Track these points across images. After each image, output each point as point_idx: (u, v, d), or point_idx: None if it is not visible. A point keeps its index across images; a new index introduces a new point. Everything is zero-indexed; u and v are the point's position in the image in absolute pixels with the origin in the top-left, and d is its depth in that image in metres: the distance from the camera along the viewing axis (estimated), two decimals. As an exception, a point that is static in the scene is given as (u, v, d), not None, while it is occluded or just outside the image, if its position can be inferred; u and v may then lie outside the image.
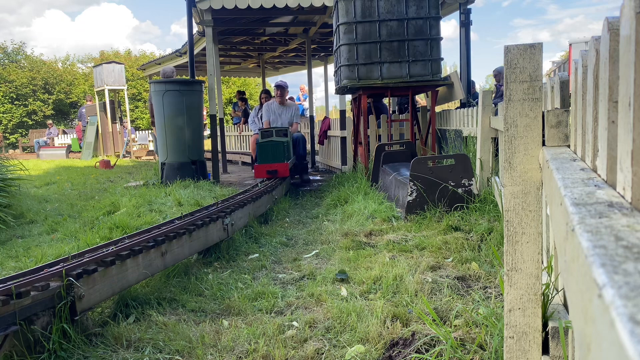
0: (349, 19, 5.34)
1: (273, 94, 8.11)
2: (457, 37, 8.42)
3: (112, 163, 11.06)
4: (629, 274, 0.39)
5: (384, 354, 1.85)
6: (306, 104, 12.87)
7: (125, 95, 15.77)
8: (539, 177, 1.29)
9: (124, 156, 14.87)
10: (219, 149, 7.81)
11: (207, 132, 12.24)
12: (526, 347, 1.33)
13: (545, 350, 1.44)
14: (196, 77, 8.81)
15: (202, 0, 7.04)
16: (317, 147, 10.21)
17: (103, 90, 14.68)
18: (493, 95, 6.70)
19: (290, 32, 10.49)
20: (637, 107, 0.57)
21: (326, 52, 12.44)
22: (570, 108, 1.30)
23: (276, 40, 11.58)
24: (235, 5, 7.06)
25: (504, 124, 1.31)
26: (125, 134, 15.45)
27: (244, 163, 10.92)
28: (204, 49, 8.98)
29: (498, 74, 9.07)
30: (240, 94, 13.84)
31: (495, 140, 3.95)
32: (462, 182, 3.74)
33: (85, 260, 2.25)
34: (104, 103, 14.89)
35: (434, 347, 1.81)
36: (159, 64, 13.63)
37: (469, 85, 7.27)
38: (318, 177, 7.96)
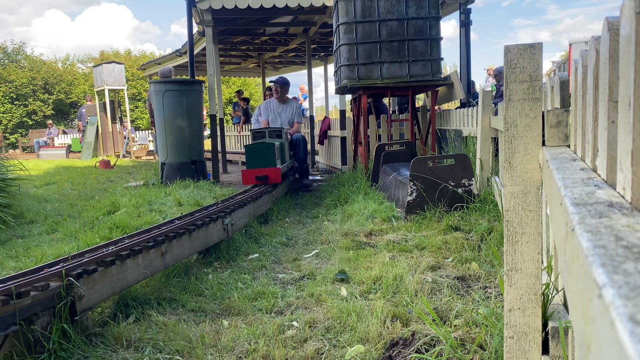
0: (349, 19, 5.34)
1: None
2: (457, 37, 8.42)
3: (112, 163, 11.06)
4: (629, 274, 0.39)
5: (384, 354, 1.85)
6: (306, 104, 12.87)
7: (125, 95, 15.78)
8: (539, 177, 1.29)
9: (124, 156, 14.87)
10: (219, 149, 7.81)
11: (207, 132, 12.25)
12: (526, 347, 1.33)
13: (545, 350, 1.44)
14: (196, 77, 8.81)
15: (202, 0, 7.04)
16: (317, 147, 10.21)
17: (103, 90, 14.68)
18: (493, 94, 6.70)
19: (290, 32, 10.49)
20: (637, 107, 0.56)
21: (326, 52, 12.44)
22: (570, 108, 1.30)
23: (276, 40, 11.58)
24: (235, 5, 7.06)
25: (504, 124, 1.31)
26: (125, 135, 15.46)
27: (243, 163, 10.90)
28: (204, 49, 8.98)
29: (498, 74, 9.08)
30: (240, 94, 13.85)
31: (495, 140, 3.95)
32: (462, 182, 3.74)
33: (85, 260, 2.25)
34: (104, 103, 14.90)
35: (434, 347, 1.81)
36: (159, 64, 13.62)
37: (469, 85, 7.27)
38: (318, 177, 7.96)
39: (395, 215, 3.92)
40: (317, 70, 14.22)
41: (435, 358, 1.71)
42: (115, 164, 11.18)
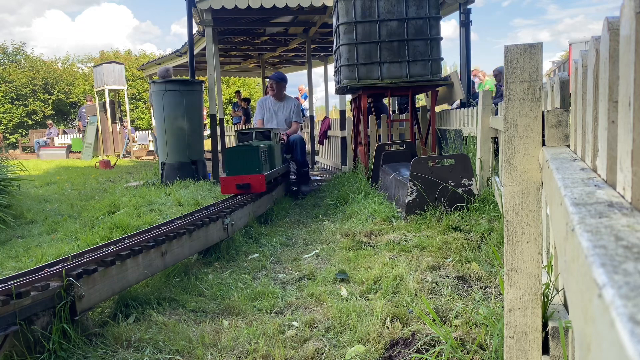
0: (349, 19, 5.34)
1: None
2: (457, 37, 8.42)
3: (112, 163, 11.06)
4: (629, 274, 0.39)
5: (384, 354, 1.85)
6: (306, 104, 12.87)
7: (125, 95, 15.79)
8: (539, 177, 1.29)
9: (124, 156, 14.88)
10: (219, 149, 7.81)
11: (207, 132, 12.25)
12: (526, 347, 1.33)
13: (545, 350, 1.44)
14: (196, 77, 8.81)
15: (202, 0, 7.04)
16: (317, 147, 10.22)
17: (103, 90, 14.69)
18: (493, 94, 6.70)
19: (290, 32, 10.49)
20: (637, 107, 0.56)
21: (326, 52, 12.44)
22: (570, 108, 1.30)
23: (276, 40, 11.58)
24: (235, 5, 7.06)
25: (504, 124, 1.31)
26: (125, 135, 15.46)
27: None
28: (204, 49, 8.98)
29: (498, 74, 9.08)
30: (239, 95, 13.86)
31: (495, 140, 3.95)
32: (462, 182, 3.74)
33: (85, 260, 2.25)
34: (104, 103, 14.91)
35: (434, 347, 1.81)
36: (159, 64, 13.63)
37: (469, 85, 7.27)
38: (318, 177, 7.95)
39: (395, 215, 3.92)
40: (317, 70, 14.23)
41: (435, 358, 1.71)
42: (115, 164, 11.18)
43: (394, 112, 8.11)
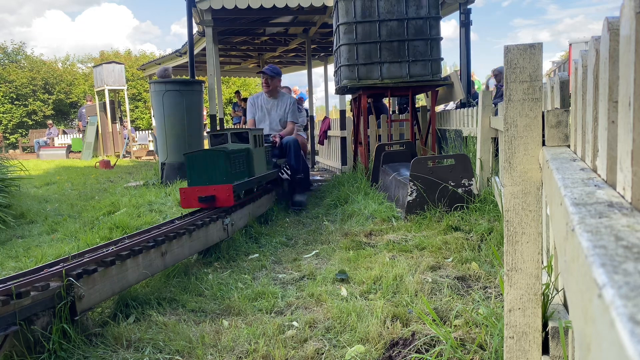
0: (349, 19, 5.34)
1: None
2: (457, 37, 8.42)
3: (112, 163, 11.07)
4: (629, 274, 0.39)
5: (384, 354, 1.85)
6: (306, 104, 12.87)
7: (125, 96, 15.79)
8: (539, 177, 1.29)
9: (124, 156, 14.88)
10: (219, 149, 7.77)
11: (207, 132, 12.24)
12: (526, 347, 1.33)
13: (545, 350, 1.44)
14: (196, 77, 8.81)
15: (202, 0, 7.05)
16: (317, 147, 10.22)
17: (103, 90, 14.69)
18: (493, 94, 6.70)
19: (290, 32, 10.49)
20: (637, 107, 0.56)
21: (326, 52, 12.44)
22: (570, 108, 1.30)
23: (276, 40, 11.58)
24: (235, 6, 7.06)
25: (504, 124, 1.31)
26: (125, 135, 15.47)
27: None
28: (204, 49, 8.99)
29: (498, 74, 9.09)
30: (238, 95, 13.87)
31: (495, 140, 3.95)
32: (462, 182, 3.74)
33: (85, 260, 2.25)
34: (104, 103, 14.92)
35: (434, 347, 1.81)
36: (159, 64, 13.63)
37: (469, 85, 7.28)
38: (318, 177, 7.95)
39: (395, 215, 3.92)
40: (317, 70, 14.23)
41: (435, 358, 1.71)
42: (115, 164, 11.19)
43: (394, 112, 8.11)
